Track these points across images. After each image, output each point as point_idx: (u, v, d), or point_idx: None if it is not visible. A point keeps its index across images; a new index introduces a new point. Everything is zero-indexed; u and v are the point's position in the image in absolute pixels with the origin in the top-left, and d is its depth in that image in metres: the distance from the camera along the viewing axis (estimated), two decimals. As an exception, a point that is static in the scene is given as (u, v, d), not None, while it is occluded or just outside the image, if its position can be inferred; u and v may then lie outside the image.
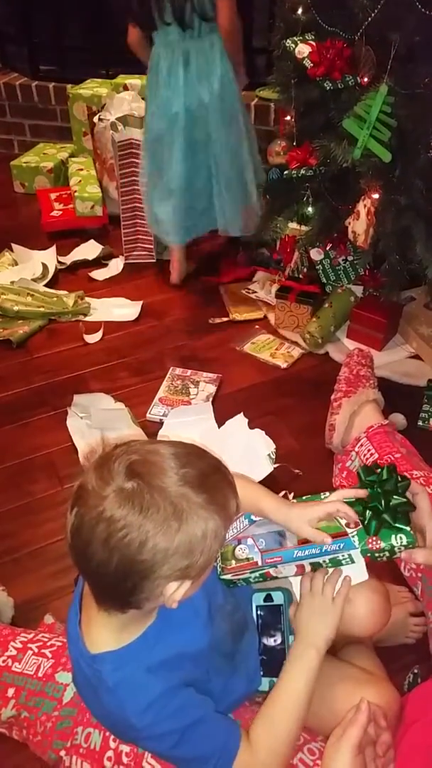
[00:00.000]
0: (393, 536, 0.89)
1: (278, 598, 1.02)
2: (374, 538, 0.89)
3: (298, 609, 0.94)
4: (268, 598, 1.03)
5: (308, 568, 0.94)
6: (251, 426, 1.67)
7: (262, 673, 0.99)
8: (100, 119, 2.55)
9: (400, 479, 0.92)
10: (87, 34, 3.28)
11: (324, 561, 0.92)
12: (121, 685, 0.78)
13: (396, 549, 0.89)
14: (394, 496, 0.89)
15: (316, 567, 0.93)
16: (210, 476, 0.74)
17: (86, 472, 0.73)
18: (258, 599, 1.03)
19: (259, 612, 1.02)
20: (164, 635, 0.81)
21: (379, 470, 0.93)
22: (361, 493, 0.92)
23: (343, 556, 0.91)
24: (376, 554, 0.90)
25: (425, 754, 0.83)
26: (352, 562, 0.92)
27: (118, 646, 0.80)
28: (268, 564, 0.94)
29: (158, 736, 0.80)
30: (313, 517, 0.91)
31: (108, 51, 3.18)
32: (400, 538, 0.89)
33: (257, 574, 0.96)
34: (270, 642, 1.00)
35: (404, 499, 0.90)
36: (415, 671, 1.10)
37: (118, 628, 0.80)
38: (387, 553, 0.90)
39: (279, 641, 1.00)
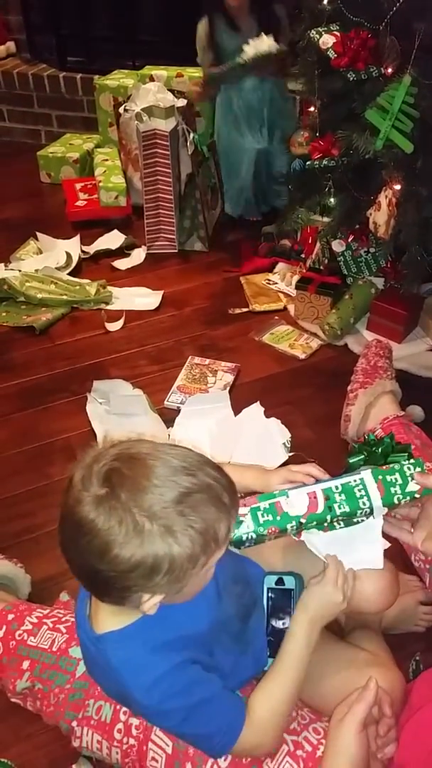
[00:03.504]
0: (401, 460, 0.90)
1: (290, 582, 1.03)
2: (384, 467, 0.90)
3: (308, 589, 0.93)
4: (280, 581, 1.04)
5: (321, 498, 0.90)
6: (267, 415, 1.68)
7: (268, 653, 1.00)
8: (125, 110, 2.57)
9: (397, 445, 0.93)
10: (114, 26, 3.31)
11: (336, 487, 0.90)
12: (125, 665, 0.80)
13: (405, 469, 0.88)
14: (393, 455, 0.90)
15: (329, 497, 0.90)
16: (192, 495, 0.72)
17: (76, 467, 0.74)
18: (270, 582, 1.05)
19: (270, 594, 1.04)
20: (167, 614, 0.81)
21: (361, 445, 0.94)
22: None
23: (355, 481, 0.89)
24: (388, 478, 0.89)
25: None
26: (368, 497, 0.89)
27: (120, 626, 0.81)
28: (279, 492, 0.92)
29: (165, 713, 0.81)
30: (289, 477, 0.96)
31: (135, 42, 3.21)
32: (408, 463, 0.90)
33: (267, 504, 0.91)
34: (279, 624, 1.02)
35: (404, 453, 0.91)
36: (417, 658, 1.11)
37: (120, 610, 0.81)
38: (398, 477, 0.88)
39: (288, 624, 1.01)
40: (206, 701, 0.83)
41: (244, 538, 0.89)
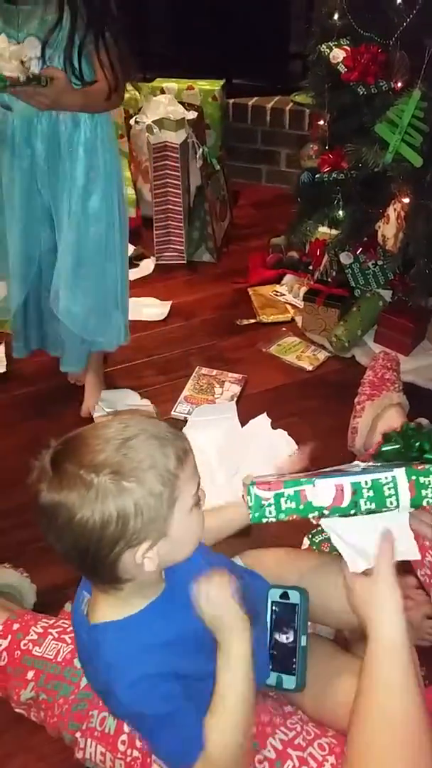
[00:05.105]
0: None
1: (294, 597, 1.02)
2: (420, 467, 0.84)
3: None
4: (285, 596, 1.03)
5: (348, 492, 0.84)
6: (274, 426, 1.68)
7: (271, 667, 0.99)
8: (136, 122, 2.59)
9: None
10: (125, 38, 3.34)
11: (365, 482, 0.84)
12: (116, 658, 0.79)
13: None
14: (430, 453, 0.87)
15: (357, 492, 0.84)
16: (131, 439, 0.75)
17: (33, 470, 0.78)
18: (274, 595, 1.04)
19: (273, 608, 1.03)
20: (167, 612, 0.81)
21: (398, 435, 0.90)
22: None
23: (386, 478, 0.84)
24: (422, 480, 0.83)
25: None
26: (396, 497, 0.84)
27: (119, 617, 0.81)
28: (305, 479, 0.86)
29: (139, 715, 0.80)
30: None
31: (146, 55, 3.24)
32: None
33: (292, 491, 0.85)
34: (282, 638, 1.01)
35: None
36: (422, 674, 1.09)
37: (120, 602, 0.81)
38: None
39: (291, 639, 1.00)
40: (176, 717, 0.79)
41: (264, 522, 0.87)
